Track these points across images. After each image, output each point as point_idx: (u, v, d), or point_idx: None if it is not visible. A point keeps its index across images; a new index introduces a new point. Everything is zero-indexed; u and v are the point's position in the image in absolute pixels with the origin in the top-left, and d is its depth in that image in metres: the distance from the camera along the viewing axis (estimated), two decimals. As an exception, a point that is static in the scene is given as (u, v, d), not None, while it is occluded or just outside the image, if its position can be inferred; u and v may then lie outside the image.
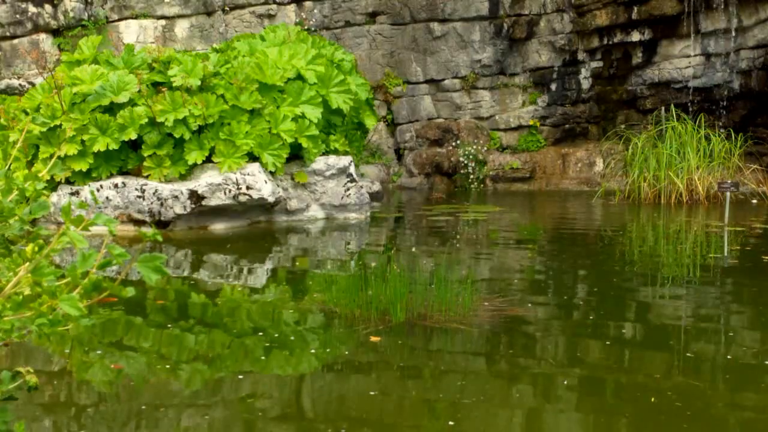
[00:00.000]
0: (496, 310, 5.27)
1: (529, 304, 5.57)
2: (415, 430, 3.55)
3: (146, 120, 8.67)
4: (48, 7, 13.77)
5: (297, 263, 7.48)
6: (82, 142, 8.64)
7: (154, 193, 8.68)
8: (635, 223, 10.30)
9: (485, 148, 13.89)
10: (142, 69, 9.23)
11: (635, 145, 11.88)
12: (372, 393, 3.92)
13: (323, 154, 9.53)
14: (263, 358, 4.46)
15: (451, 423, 3.50)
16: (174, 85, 8.91)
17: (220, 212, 8.85)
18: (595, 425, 3.61)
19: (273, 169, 8.99)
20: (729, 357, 4.43)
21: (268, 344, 4.64)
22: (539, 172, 13.96)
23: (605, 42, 13.80)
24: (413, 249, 7.99)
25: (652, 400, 3.74)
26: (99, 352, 4.56)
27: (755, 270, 7.01)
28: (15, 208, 1.95)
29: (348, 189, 9.54)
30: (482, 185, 13.72)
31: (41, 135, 8.67)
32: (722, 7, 12.89)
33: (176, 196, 8.65)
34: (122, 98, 8.77)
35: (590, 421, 3.66)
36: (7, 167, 2.29)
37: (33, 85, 12.33)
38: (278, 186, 9.12)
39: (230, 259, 7.43)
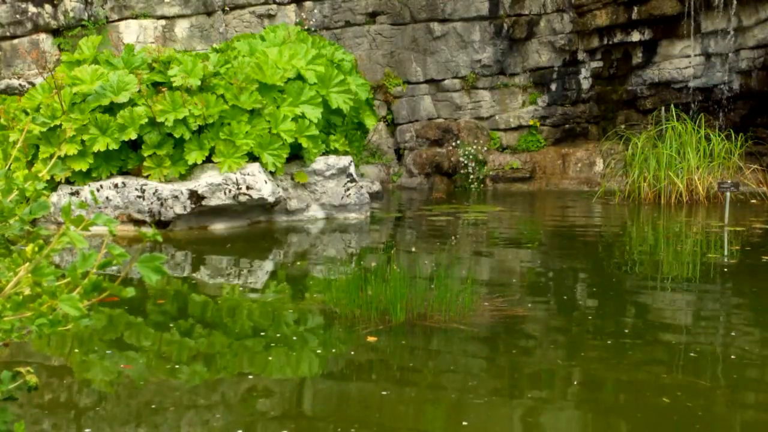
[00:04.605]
0: (496, 310, 5.27)
1: (529, 304, 5.57)
2: (417, 429, 3.55)
3: (146, 120, 8.67)
4: (48, 7, 13.77)
5: (297, 263, 7.48)
6: (82, 142, 8.64)
7: (154, 193, 8.68)
8: (635, 223, 10.30)
9: (485, 148, 13.89)
10: (142, 69, 9.23)
11: (635, 145, 11.88)
12: (373, 393, 3.92)
13: (323, 154, 9.53)
14: (264, 358, 4.45)
15: (465, 423, 3.49)
16: (174, 85, 8.91)
17: (220, 212, 8.85)
18: (606, 426, 3.61)
19: (273, 169, 8.98)
20: (733, 357, 4.43)
21: (268, 344, 4.64)
22: (539, 172, 13.96)
23: (605, 42, 13.80)
24: (413, 249, 7.99)
25: (665, 400, 3.73)
26: (107, 352, 4.56)
27: (755, 270, 7.01)
28: (15, 208, 1.95)
29: (348, 189, 9.54)
30: (482, 185, 13.71)
31: (41, 135, 8.67)
32: (722, 7, 12.88)
33: (176, 196, 8.65)
34: (122, 98, 8.77)
35: (600, 422, 3.66)
36: (7, 167, 2.29)
37: (33, 85, 12.33)
38: (278, 186, 9.12)
39: (230, 259, 7.42)
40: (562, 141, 14.46)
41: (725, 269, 7.05)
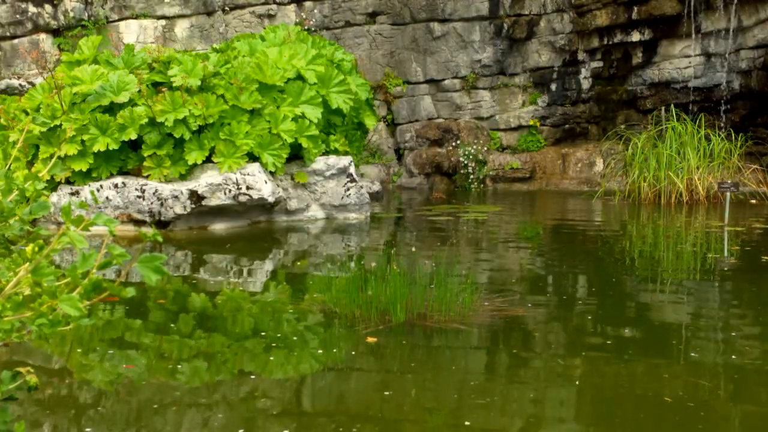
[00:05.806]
0: (496, 310, 5.27)
1: (529, 304, 5.57)
2: (417, 429, 3.55)
3: (146, 120, 8.67)
4: (48, 7, 13.77)
5: (297, 263, 7.48)
6: (82, 142, 8.64)
7: (154, 193, 8.68)
8: (635, 223, 10.30)
9: (485, 148, 13.89)
10: (142, 69, 9.23)
11: (635, 145, 11.88)
12: (373, 393, 3.92)
13: (323, 154, 9.52)
14: (264, 357, 4.45)
15: (467, 423, 3.49)
16: (174, 85, 8.91)
17: (220, 212, 8.85)
18: (607, 425, 3.61)
19: (273, 169, 8.98)
20: (734, 357, 4.43)
21: (269, 344, 4.64)
22: (539, 172, 13.96)
23: (605, 42, 13.80)
24: (413, 249, 7.99)
25: (667, 399, 3.73)
26: (108, 352, 4.56)
27: (755, 270, 7.01)
28: (15, 208, 1.95)
29: (348, 189, 9.53)
30: (482, 185, 13.72)
31: (41, 135, 8.67)
32: (722, 7, 12.88)
33: (176, 196, 8.65)
34: (122, 98, 8.77)
35: (602, 422, 3.65)
36: (7, 167, 2.29)
37: (33, 85, 12.33)
38: (278, 186, 9.12)
39: (230, 259, 7.42)
40: (562, 141, 14.46)
41: (725, 269, 7.05)
